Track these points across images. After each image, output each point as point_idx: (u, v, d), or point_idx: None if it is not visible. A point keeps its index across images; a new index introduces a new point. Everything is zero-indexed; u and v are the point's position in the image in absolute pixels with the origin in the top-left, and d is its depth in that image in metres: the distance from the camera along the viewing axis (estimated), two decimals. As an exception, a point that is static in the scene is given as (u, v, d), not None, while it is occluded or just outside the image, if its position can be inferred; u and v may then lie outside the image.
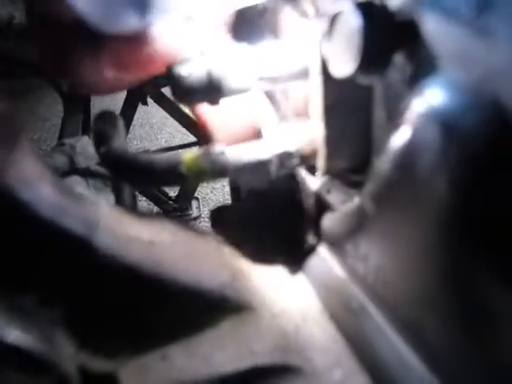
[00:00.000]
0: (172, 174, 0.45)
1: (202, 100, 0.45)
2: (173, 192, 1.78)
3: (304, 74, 0.44)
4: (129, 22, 0.43)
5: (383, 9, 0.33)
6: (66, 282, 0.38)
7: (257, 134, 0.51)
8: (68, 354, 0.38)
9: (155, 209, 1.75)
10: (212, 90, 0.43)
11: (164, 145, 2.30)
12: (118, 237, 0.40)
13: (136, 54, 0.46)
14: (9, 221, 0.36)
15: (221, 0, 0.46)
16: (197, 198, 1.89)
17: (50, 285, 0.38)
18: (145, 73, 0.50)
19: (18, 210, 0.35)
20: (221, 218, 0.63)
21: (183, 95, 0.44)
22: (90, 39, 0.45)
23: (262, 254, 0.53)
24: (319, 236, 0.49)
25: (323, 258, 0.49)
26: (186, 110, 1.60)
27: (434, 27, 0.31)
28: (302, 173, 0.51)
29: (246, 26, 0.52)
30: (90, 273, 0.38)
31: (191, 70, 0.42)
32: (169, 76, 0.43)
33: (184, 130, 1.89)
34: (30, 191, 0.36)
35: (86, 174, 1.40)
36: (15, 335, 0.34)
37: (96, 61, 0.46)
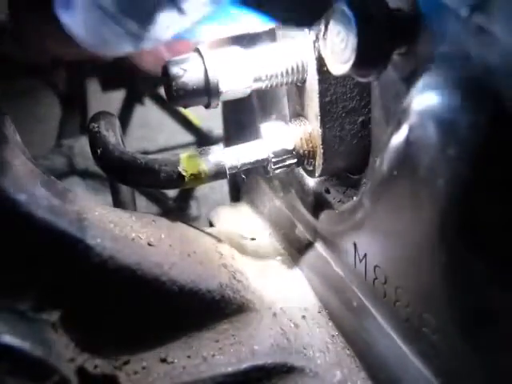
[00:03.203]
0: (170, 175, 0.44)
1: (197, 101, 0.43)
2: (172, 192, 1.78)
3: (301, 74, 0.44)
4: (124, 49, 0.47)
5: (379, 6, 0.33)
6: (63, 284, 0.38)
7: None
8: (67, 357, 0.38)
9: (154, 208, 1.75)
10: (208, 90, 0.42)
11: (163, 145, 2.29)
12: (116, 238, 0.39)
13: None
14: (4, 223, 0.36)
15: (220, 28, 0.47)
16: (196, 198, 1.88)
17: (48, 287, 0.38)
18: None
19: (13, 211, 0.35)
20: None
21: (177, 95, 0.41)
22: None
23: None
24: (318, 235, 0.49)
25: (322, 257, 0.49)
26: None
27: (432, 25, 0.31)
28: (301, 172, 0.50)
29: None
30: (86, 274, 0.38)
31: (186, 69, 0.42)
32: (163, 74, 0.42)
33: (183, 131, 1.89)
34: (25, 193, 0.36)
35: (84, 174, 1.40)
36: (14, 340, 0.34)
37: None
